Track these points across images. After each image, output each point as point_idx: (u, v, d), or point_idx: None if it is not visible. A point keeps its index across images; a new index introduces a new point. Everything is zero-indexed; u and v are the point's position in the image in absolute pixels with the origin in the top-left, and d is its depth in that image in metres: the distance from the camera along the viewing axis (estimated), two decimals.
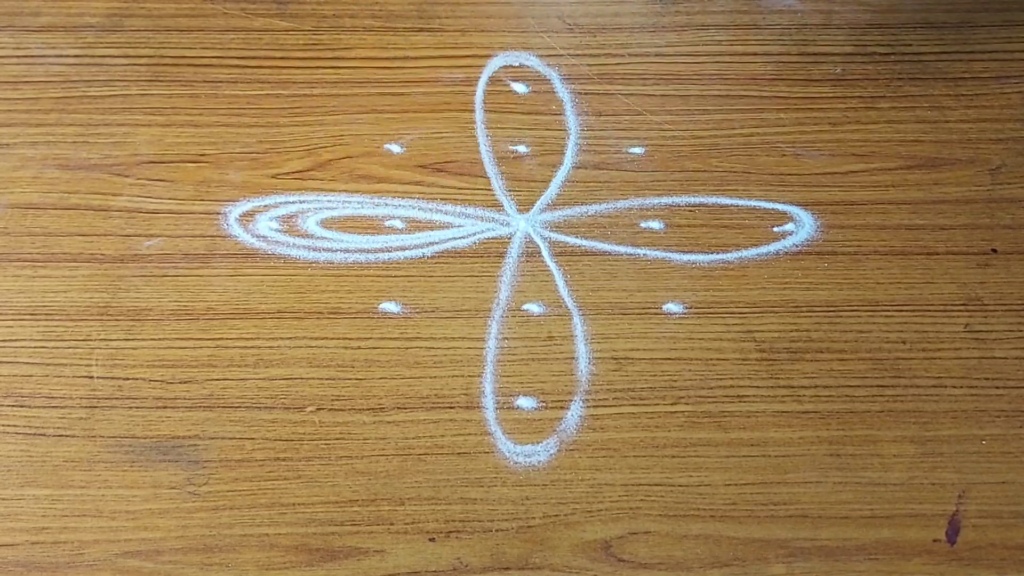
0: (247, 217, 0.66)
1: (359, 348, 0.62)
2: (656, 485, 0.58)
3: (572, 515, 0.57)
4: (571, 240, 0.66)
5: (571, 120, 0.70)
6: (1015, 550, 0.57)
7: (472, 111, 0.71)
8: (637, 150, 0.69)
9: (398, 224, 0.66)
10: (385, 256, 0.65)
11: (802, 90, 0.71)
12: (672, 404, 0.60)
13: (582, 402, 0.60)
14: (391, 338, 0.62)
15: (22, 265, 0.64)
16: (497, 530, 0.57)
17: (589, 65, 0.72)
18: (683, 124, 0.70)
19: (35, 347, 0.62)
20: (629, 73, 0.72)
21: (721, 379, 0.61)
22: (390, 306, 0.63)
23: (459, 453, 0.59)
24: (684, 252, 0.65)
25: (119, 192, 0.67)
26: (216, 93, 0.70)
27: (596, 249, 0.65)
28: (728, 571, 0.56)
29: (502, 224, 0.66)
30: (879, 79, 0.71)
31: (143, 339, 0.62)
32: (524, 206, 0.67)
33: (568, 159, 0.69)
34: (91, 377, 0.61)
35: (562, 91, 0.71)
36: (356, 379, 0.61)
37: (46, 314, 0.63)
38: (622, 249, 0.65)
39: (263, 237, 0.65)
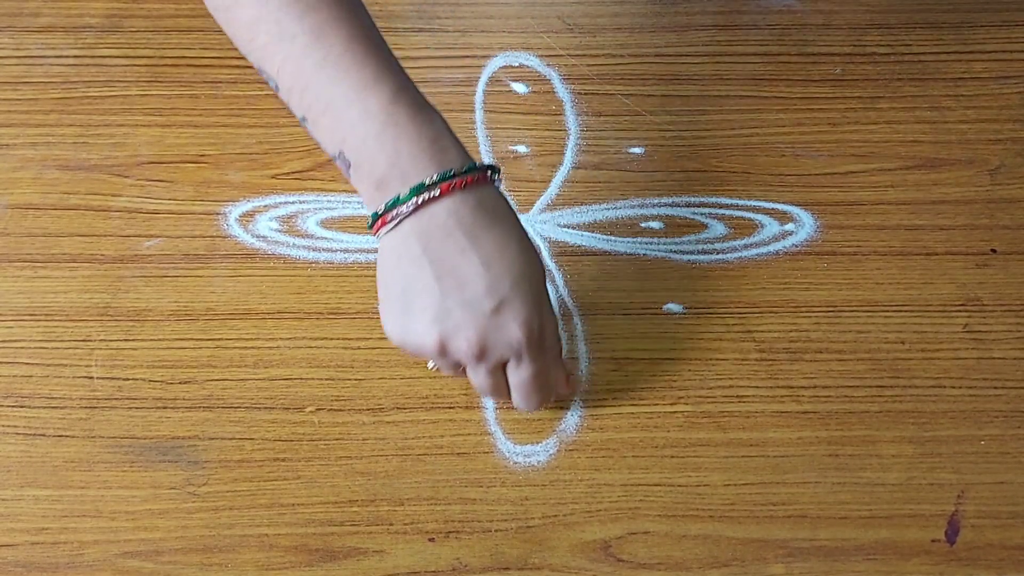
0: (247, 217, 0.66)
1: (359, 348, 0.62)
2: (655, 485, 0.58)
3: (571, 515, 0.57)
4: (571, 240, 0.66)
5: (571, 120, 0.70)
6: (1014, 550, 0.57)
7: (472, 111, 0.71)
8: (637, 150, 0.69)
9: None
10: None
11: (802, 90, 0.71)
12: (671, 404, 0.60)
13: (582, 402, 0.60)
14: None
15: (22, 265, 0.64)
16: (496, 530, 0.57)
17: (589, 65, 0.72)
18: (683, 124, 0.70)
19: (35, 347, 0.62)
20: (629, 73, 0.72)
21: (720, 379, 0.61)
22: None
23: (458, 453, 0.59)
24: (684, 252, 0.65)
25: (119, 193, 0.67)
26: (216, 94, 0.70)
27: (596, 249, 0.65)
28: (727, 571, 0.56)
29: None
30: (879, 79, 0.71)
31: (143, 339, 0.62)
32: (524, 206, 0.67)
33: (568, 159, 0.69)
34: (91, 377, 0.61)
35: (562, 91, 0.71)
36: (356, 379, 0.61)
37: (46, 314, 0.63)
38: (622, 249, 0.66)
39: (263, 237, 0.65)
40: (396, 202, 0.50)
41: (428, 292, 0.50)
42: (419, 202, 0.50)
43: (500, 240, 0.51)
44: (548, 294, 0.54)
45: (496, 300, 0.50)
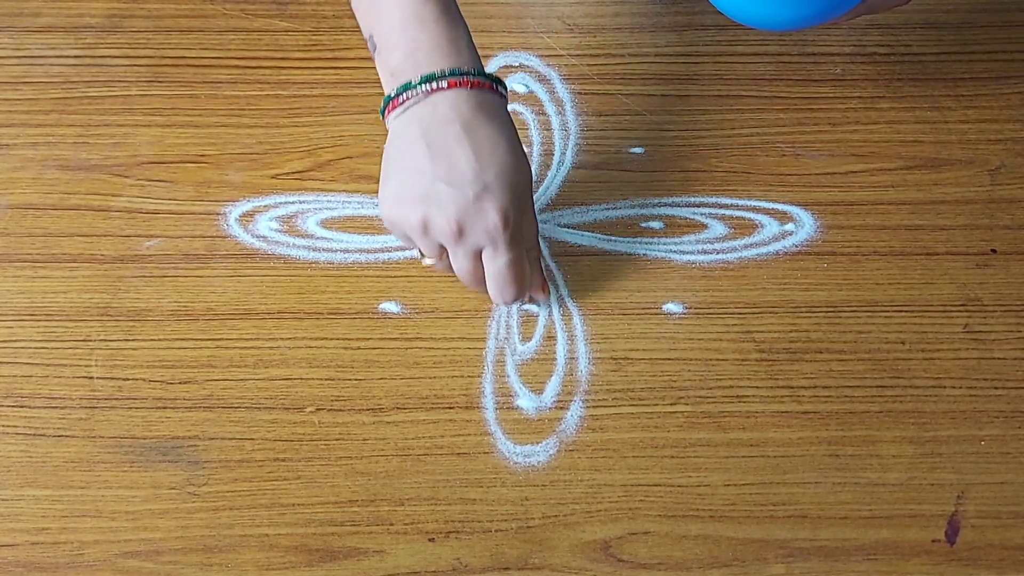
0: (247, 217, 0.66)
1: (359, 348, 0.62)
2: (655, 485, 0.58)
3: (571, 515, 0.57)
4: (571, 240, 0.66)
5: (571, 120, 0.70)
6: (1014, 550, 0.57)
7: None
8: (637, 150, 0.69)
9: None
10: (385, 256, 0.65)
11: (802, 90, 0.71)
12: (671, 404, 0.60)
13: (582, 402, 0.60)
14: (391, 338, 0.62)
15: (22, 265, 0.64)
16: (496, 530, 0.57)
17: (589, 65, 0.72)
18: (683, 124, 0.70)
19: (35, 347, 0.62)
20: (629, 73, 0.72)
21: (720, 379, 0.61)
22: (390, 306, 0.63)
23: (458, 453, 0.59)
24: (684, 252, 0.65)
25: (119, 193, 0.67)
26: (216, 93, 0.70)
27: (596, 249, 0.65)
28: (727, 571, 0.56)
29: None
30: (879, 79, 0.71)
31: (143, 339, 0.62)
32: None
33: (568, 159, 0.69)
34: (91, 377, 0.61)
35: (562, 91, 0.71)
36: (356, 379, 0.61)
37: (46, 314, 0.63)
38: (622, 249, 0.65)
39: (263, 237, 0.65)
40: (407, 87, 0.55)
41: (420, 173, 0.54)
42: (427, 90, 0.55)
43: (493, 138, 0.55)
44: (532, 200, 0.58)
45: (479, 186, 0.54)
